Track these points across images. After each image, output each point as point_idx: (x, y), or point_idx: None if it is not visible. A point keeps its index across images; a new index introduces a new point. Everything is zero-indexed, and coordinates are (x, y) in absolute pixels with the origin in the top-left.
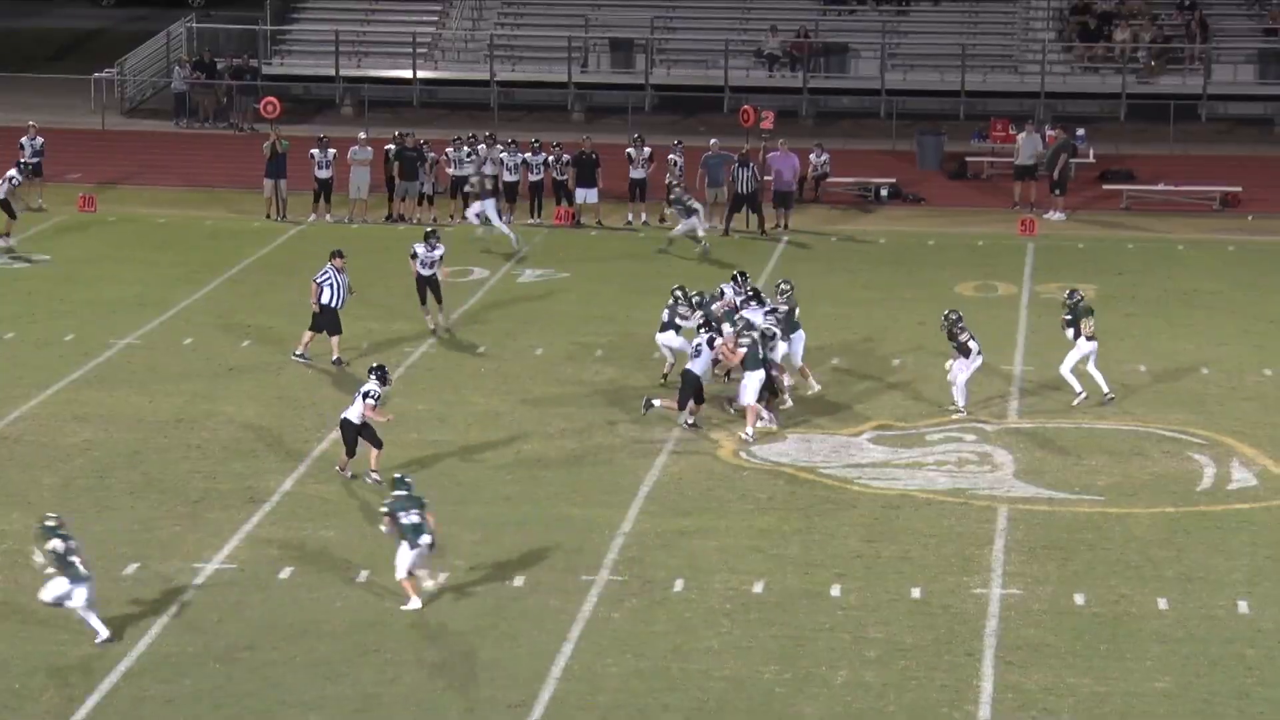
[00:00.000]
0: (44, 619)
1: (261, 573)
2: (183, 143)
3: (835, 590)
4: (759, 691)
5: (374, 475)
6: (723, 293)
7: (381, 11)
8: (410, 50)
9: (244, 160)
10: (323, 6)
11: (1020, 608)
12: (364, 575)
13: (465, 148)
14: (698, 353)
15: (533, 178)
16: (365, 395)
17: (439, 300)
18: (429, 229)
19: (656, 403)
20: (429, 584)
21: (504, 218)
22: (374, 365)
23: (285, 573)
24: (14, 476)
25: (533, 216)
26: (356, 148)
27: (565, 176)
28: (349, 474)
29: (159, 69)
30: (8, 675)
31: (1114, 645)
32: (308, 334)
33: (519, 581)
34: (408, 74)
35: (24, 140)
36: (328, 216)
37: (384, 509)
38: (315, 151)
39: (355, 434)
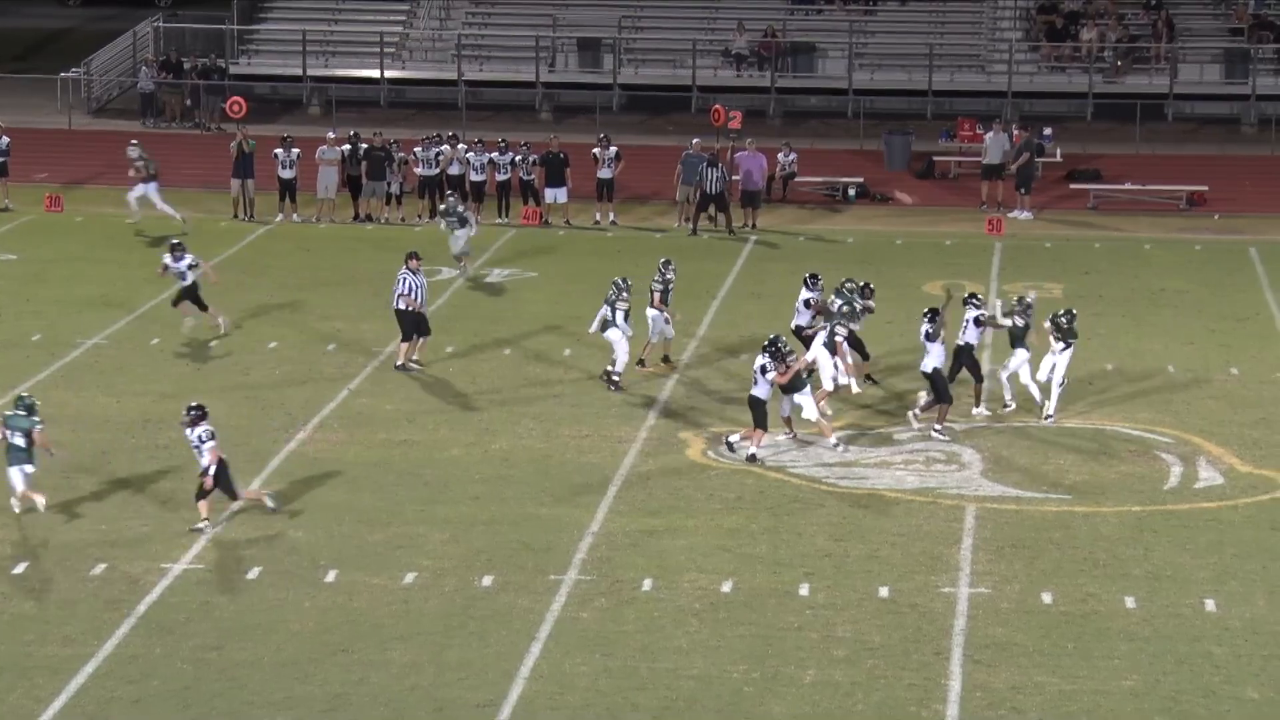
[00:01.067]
0: (10, 619)
1: (230, 573)
2: (149, 142)
3: (804, 589)
4: (728, 690)
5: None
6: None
7: (349, 11)
8: (378, 50)
9: (211, 160)
10: (290, 6)
11: (988, 606)
12: (332, 575)
13: (434, 148)
14: (763, 373)
15: (500, 177)
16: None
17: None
18: (174, 240)
19: (734, 438)
20: (39, 502)
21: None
22: (194, 405)
23: (253, 573)
24: None
25: (500, 216)
26: (325, 147)
27: (532, 176)
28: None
29: (126, 69)
30: None
31: (1081, 644)
32: (403, 345)
33: (487, 581)
34: (375, 74)
35: None
36: (295, 216)
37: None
38: (279, 151)
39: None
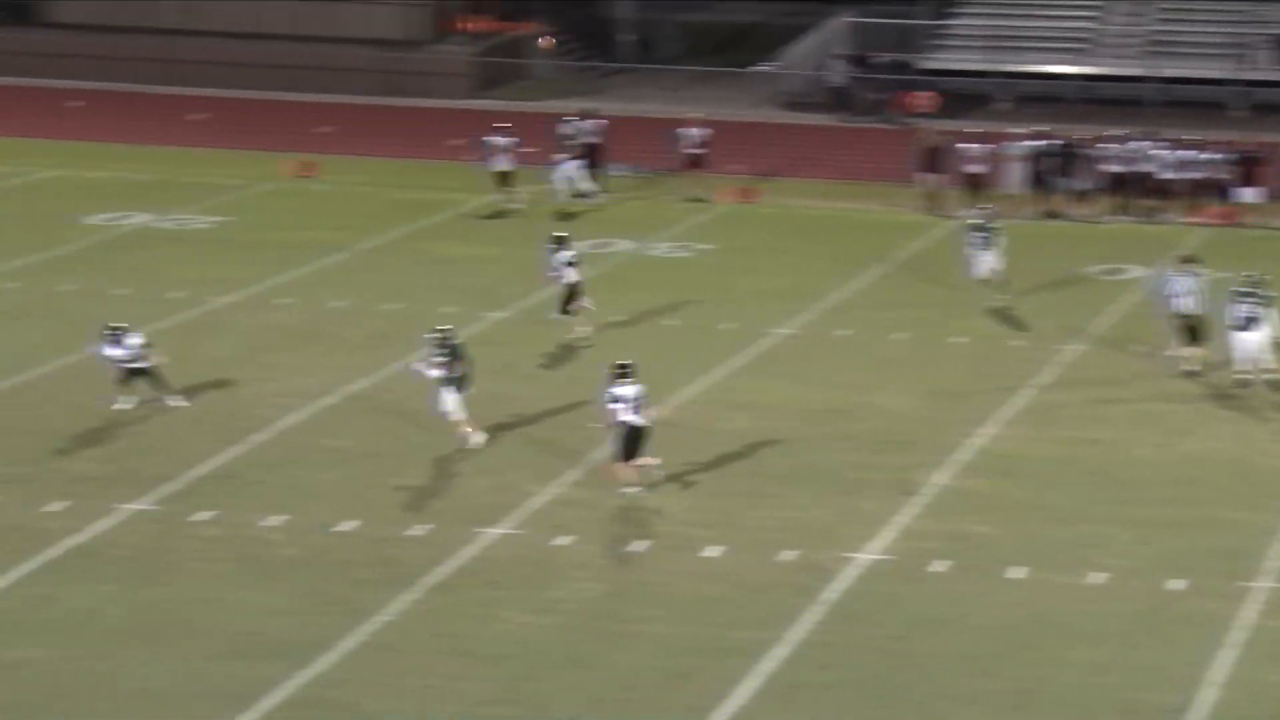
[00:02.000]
0: (705, 601)
1: (915, 565)
2: (838, 136)
3: None
4: None
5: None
6: None
7: (1040, 6)
8: (1068, 46)
9: (898, 154)
10: (983, 1)
11: None
12: (1016, 572)
13: (1125, 144)
14: None
15: (1192, 176)
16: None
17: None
18: (558, 233)
19: None
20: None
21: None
22: (622, 361)
23: (939, 566)
24: (675, 460)
25: (1188, 215)
26: (1012, 143)
27: (1226, 175)
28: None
29: (816, 62)
30: (669, 656)
31: None
32: (1184, 349)
33: (1176, 585)
34: (1065, 69)
35: (681, 131)
36: (979, 210)
37: None
38: (971, 145)
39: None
